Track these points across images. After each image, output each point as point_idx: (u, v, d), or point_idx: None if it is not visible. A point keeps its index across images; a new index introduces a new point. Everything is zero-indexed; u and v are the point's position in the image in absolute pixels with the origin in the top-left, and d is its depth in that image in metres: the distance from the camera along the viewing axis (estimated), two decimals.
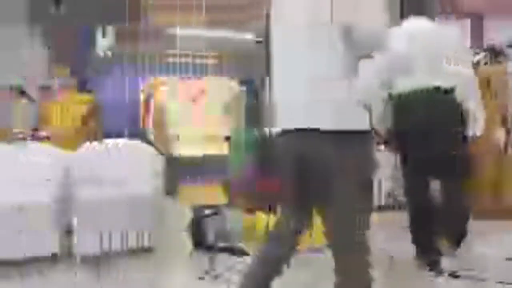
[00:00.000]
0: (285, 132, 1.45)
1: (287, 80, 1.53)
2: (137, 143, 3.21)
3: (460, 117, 2.31)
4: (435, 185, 2.46)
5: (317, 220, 3.06)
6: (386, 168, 4.22)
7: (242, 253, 2.66)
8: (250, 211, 3.28)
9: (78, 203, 2.63)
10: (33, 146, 2.97)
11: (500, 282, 2.01)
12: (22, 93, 5.27)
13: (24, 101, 5.20)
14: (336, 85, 1.35)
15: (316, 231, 2.94)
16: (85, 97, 3.49)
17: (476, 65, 3.73)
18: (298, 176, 1.38)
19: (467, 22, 5.60)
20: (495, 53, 3.96)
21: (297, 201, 1.48)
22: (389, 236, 3.08)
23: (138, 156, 2.97)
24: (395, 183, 4.23)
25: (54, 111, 3.16)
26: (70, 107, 3.28)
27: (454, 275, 2.14)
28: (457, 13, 5.64)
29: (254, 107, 4.73)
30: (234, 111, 4.86)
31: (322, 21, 1.32)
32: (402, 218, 3.77)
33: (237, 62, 6.97)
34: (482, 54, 3.98)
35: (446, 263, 2.32)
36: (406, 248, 2.73)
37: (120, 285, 2.25)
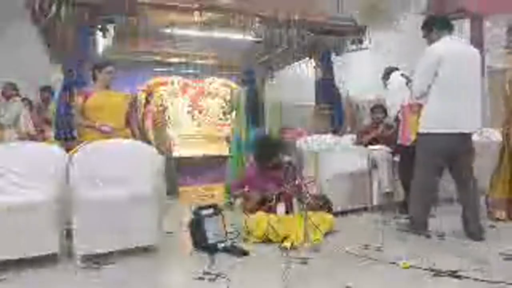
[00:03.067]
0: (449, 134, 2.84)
1: (458, 101, 2.82)
2: (137, 143, 3.20)
3: None
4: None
5: (315, 220, 3.06)
6: (384, 169, 4.23)
7: (242, 253, 2.66)
8: (250, 211, 3.28)
9: (78, 203, 2.63)
10: (33, 145, 2.97)
11: (501, 282, 2.01)
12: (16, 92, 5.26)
13: (17, 100, 5.18)
14: (479, 106, 2.90)
15: (315, 232, 2.96)
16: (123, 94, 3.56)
17: None
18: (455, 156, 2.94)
19: (467, 22, 5.61)
20: None
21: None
22: (388, 236, 3.08)
23: (138, 156, 2.97)
24: (392, 183, 4.24)
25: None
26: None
27: (454, 275, 2.13)
28: (457, 13, 5.64)
29: (255, 107, 4.74)
30: (235, 111, 4.86)
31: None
32: (400, 219, 3.77)
33: (237, 62, 6.97)
34: None
35: (445, 260, 2.33)
36: (407, 249, 2.73)
37: (120, 285, 2.25)
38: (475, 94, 2.89)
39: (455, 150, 2.91)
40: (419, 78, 2.93)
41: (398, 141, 3.74)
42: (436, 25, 3.02)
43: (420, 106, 3.02)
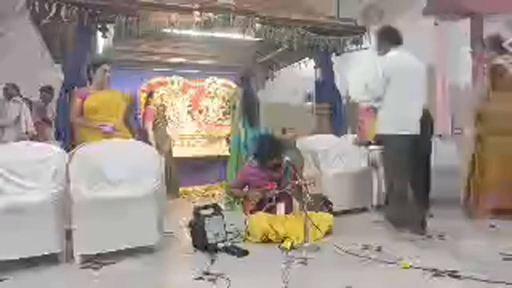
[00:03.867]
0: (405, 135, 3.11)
1: (407, 105, 3.14)
2: (137, 143, 3.20)
3: None
4: None
5: (315, 220, 3.07)
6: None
7: (242, 253, 2.67)
8: (251, 211, 3.28)
9: (78, 203, 2.63)
10: (34, 145, 2.96)
11: (501, 282, 2.01)
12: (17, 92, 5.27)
13: (18, 100, 5.19)
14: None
15: (315, 232, 2.96)
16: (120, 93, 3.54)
17: None
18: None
19: (467, 22, 5.59)
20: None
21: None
22: (388, 236, 3.08)
23: (138, 156, 2.97)
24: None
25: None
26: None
27: (454, 275, 2.14)
28: (457, 13, 5.63)
29: (251, 107, 4.74)
30: (233, 111, 4.88)
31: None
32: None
33: (237, 62, 6.97)
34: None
35: (445, 260, 2.34)
36: (407, 249, 2.73)
37: (120, 285, 2.25)
38: (421, 101, 3.24)
39: (411, 151, 3.11)
40: (372, 86, 3.19)
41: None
42: (387, 37, 3.27)
43: (375, 109, 3.28)
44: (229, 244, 2.83)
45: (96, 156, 2.83)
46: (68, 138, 4.11)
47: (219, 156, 6.43)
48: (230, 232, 3.09)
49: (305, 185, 2.91)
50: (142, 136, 5.13)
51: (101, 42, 4.70)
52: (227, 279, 2.18)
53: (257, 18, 4.81)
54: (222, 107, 7.23)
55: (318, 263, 2.46)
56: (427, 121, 3.87)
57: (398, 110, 3.11)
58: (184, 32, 4.85)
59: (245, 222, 3.15)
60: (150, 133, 5.49)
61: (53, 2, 3.94)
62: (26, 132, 5.15)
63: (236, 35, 5.00)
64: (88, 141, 3.13)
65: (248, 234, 3.06)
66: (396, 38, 3.24)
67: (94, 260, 2.59)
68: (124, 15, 4.29)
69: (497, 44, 3.89)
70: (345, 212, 3.99)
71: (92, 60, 3.66)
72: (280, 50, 6.06)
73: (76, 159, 2.78)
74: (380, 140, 3.31)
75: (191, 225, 2.93)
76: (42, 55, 5.76)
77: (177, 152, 6.15)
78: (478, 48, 5.35)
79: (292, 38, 5.07)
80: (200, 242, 2.81)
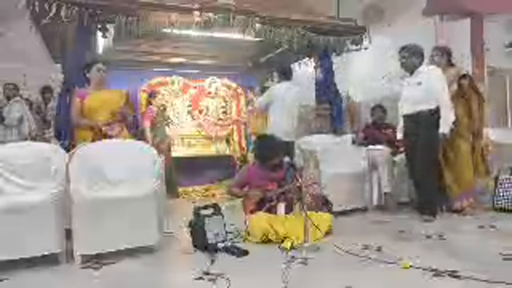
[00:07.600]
0: None
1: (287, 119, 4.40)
2: (137, 143, 3.21)
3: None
4: None
5: (315, 220, 3.06)
6: (384, 169, 4.23)
7: (242, 253, 2.66)
8: (251, 211, 3.27)
9: (78, 203, 2.63)
10: (34, 145, 2.97)
11: (501, 282, 2.00)
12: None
13: (19, 100, 5.19)
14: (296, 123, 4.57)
15: (315, 232, 2.95)
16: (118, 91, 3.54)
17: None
18: None
19: (467, 22, 5.60)
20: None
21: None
22: (388, 236, 3.08)
23: (138, 156, 2.97)
24: (393, 183, 4.23)
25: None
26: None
27: (454, 275, 2.13)
28: (457, 13, 5.64)
29: None
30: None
31: None
32: (400, 219, 3.77)
33: (237, 62, 6.97)
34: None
35: (445, 260, 2.33)
36: (407, 249, 2.73)
37: (120, 285, 2.25)
38: (295, 116, 4.36)
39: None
40: (260, 103, 4.49)
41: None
42: (279, 73, 4.45)
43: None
44: (229, 244, 2.83)
45: (96, 156, 2.84)
46: (68, 138, 4.11)
47: (219, 156, 6.44)
48: (230, 232, 3.09)
49: (306, 186, 2.91)
50: (139, 135, 5.14)
51: (101, 42, 4.70)
52: (227, 279, 2.18)
53: (257, 18, 4.81)
54: (222, 107, 7.24)
55: (318, 263, 2.46)
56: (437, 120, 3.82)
57: (280, 121, 4.21)
58: (184, 32, 4.86)
59: (245, 222, 3.15)
60: (148, 134, 5.50)
61: (53, 2, 3.94)
62: (29, 132, 5.15)
63: (236, 35, 5.00)
64: (87, 141, 3.13)
65: (248, 234, 3.06)
66: (285, 74, 4.42)
67: (94, 260, 2.59)
68: (124, 15, 4.29)
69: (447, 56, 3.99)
70: (345, 212, 3.99)
71: (87, 59, 3.67)
72: (280, 50, 6.06)
73: (76, 159, 2.78)
74: None
75: (191, 225, 2.92)
76: (42, 55, 5.76)
77: (177, 152, 6.16)
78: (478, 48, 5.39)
79: (292, 38, 5.07)
80: (200, 242, 2.81)
